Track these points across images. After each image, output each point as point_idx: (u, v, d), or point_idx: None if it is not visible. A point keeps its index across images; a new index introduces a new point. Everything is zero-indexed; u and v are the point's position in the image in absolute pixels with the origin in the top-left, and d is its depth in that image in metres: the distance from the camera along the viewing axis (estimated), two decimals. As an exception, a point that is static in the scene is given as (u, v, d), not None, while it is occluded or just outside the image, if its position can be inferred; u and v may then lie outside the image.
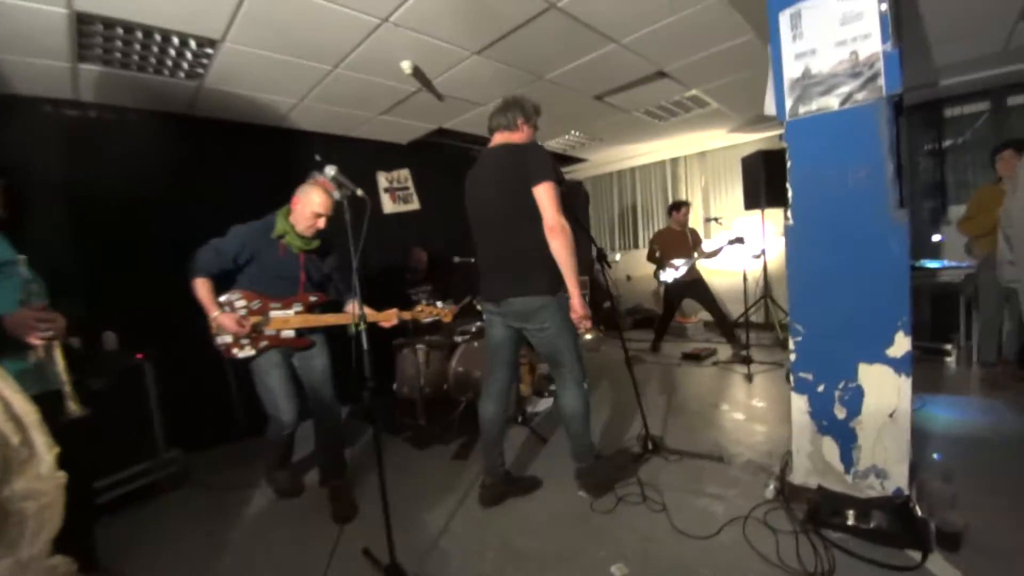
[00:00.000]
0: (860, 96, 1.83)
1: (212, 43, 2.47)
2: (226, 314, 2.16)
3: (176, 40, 2.41)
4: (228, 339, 2.22)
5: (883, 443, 1.88)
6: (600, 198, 7.47)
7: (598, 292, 6.66)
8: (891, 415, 1.85)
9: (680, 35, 2.81)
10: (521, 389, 3.52)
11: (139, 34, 2.32)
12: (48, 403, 1.46)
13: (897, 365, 1.81)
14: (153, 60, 2.59)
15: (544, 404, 3.70)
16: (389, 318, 2.43)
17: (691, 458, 2.57)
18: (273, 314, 2.28)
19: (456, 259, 4.41)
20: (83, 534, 1.81)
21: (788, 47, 1.97)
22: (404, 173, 4.82)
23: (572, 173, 7.16)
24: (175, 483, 2.73)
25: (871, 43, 1.78)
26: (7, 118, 2.72)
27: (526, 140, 2.18)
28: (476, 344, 3.54)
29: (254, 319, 2.22)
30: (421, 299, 4.02)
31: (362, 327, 1.73)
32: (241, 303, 2.25)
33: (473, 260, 4.39)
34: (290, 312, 2.32)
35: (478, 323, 3.96)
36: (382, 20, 2.40)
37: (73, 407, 1.48)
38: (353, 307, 2.09)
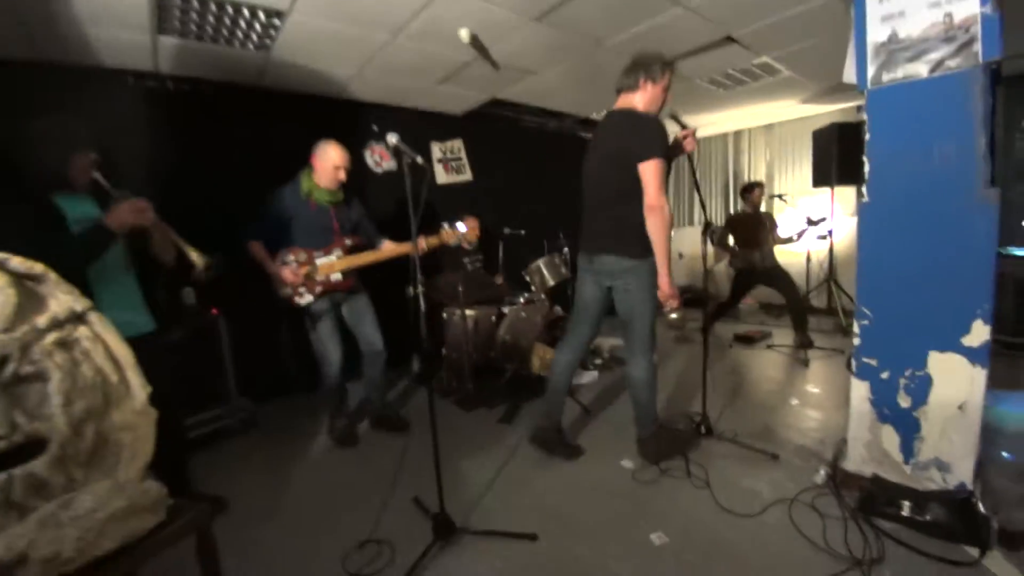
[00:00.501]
0: (953, 63, 1.67)
1: (279, 14, 2.55)
2: (282, 267, 2.51)
3: (246, 11, 2.50)
4: (288, 290, 2.55)
5: (948, 436, 1.79)
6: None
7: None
8: (960, 407, 1.75)
9: (752, -3, 2.64)
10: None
11: (213, 5, 2.42)
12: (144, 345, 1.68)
13: (972, 355, 1.70)
14: (225, 31, 2.70)
15: (588, 376, 3.72)
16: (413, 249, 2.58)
17: (744, 448, 2.48)
18: (319, 261, 2.58)
19: (507, 230, 4.45)
20: (179, 463, 2.07)
21: (874, 9, 1.82)
22: (458, 144, 4.85)
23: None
24: (244, 428, 2.99)
25: (968, 5, 1.61)
26: (96, 89, 2.93)
27: (649, 100, 2.16)
28: (523, 314, 3.58)
29: (304, 269, 2.53)
30: (477, 268, 4.11)
31: (420, 291, 1.80)
32: (291, 257, 2.55)
33: (523, 232, 4.45)
34: (332, 257, 2.61)
35: (526, 294, 4.00)
36: (442, -13, 2.39)
37: (196, 258, 1.84)
38: (395, 244, 2.72)
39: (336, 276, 2.62)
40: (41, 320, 1.19)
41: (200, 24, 2.60)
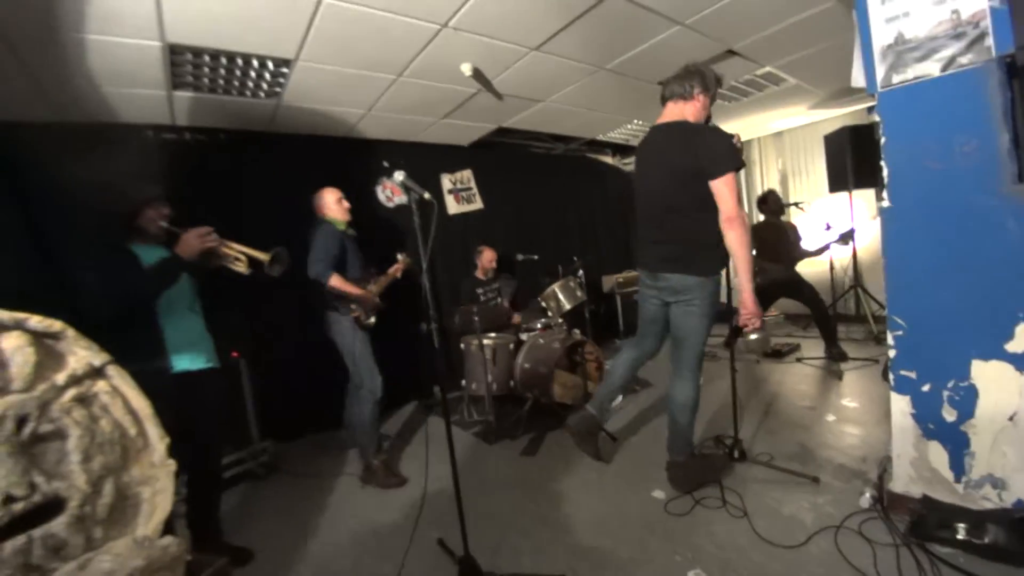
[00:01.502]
0: (965, 59, 1.62)
1: (287, 63, 2.63)
2: (366, 291, 2.76)
3: (256, 63, 2.59)
4: (359, 312, 2.75)
5: (1001, 449, 1.67)
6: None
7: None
8: (1011, 418, 1.63)
9: (750, 9, 2.63)
10: (589, 386, 3.48)
11: (223, 60, 2.52)
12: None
13: (1020, 362, 1.59)
14: (236, 83, 2.80)
15: (616, 402, 3.62)
16: (396, 272, 3.03)
17: (781, 472, 2.34)
18: (373, 286, 2.88)
19: (519, 256, 4.44)
20: (213, 506, 2.11)
21: (877, 11, 1.79)
22: (467, 174, 4.91)
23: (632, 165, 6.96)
24: (266, 471, 2.97)
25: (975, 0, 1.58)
26: (117, 144, 3.05)
27: (699, 112, 2.12)
28: (542, 341, 3.54)
29: (371, 292, 2.82)
30: (489, 299, 4.09)
31: (434, 327, 1.78)
32: (370, 284, 2.86)
33: (536, 258, 4.43)
34: (374, 287, 2.89)
35: (542, 320, 3.96)
36: (441, 25, 2.45)
37: (262, 256, 2.08)
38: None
39: (377, 300, 2.86)
40: (60, 377, 1.20)
41: (212, 78, 2.70)
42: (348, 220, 2.85)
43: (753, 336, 2.03)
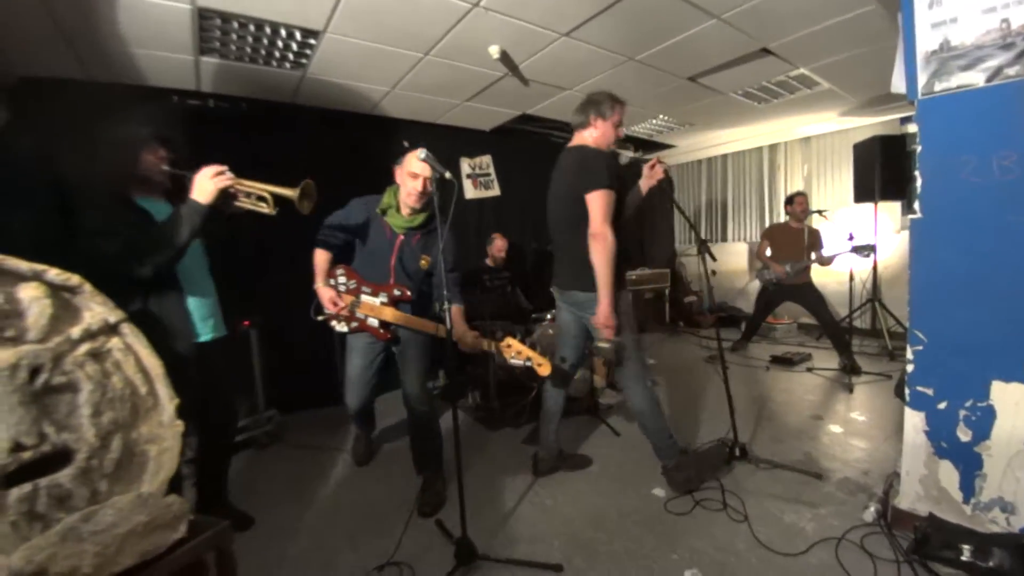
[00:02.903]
0: (1012, 71, 1.56)
1: (315, 34, 2.62)
2: (325, 288, 2.22)
3: (283, 32, 2.58)
4: (322, 314, 2.29)
5: (1014, 474, 1.63)
6: (686, 188, 7.11)
7: (678, 287, 6.38)
8: (1028, 443, 1.59)
9: (789, 7, 2.56)
10: (595, 381, 3.46)
11: (251, 27, 2.50)
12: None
13: (1042, 386, 1.56)
14: (263, 51, 2.79)
15: (618, 397, 3.61)
16: (474, 344, 2.22)
17: (783, 470, 2.37)
18: (364, 298, 2.24)
19: (534, 245, 4.41)
20: (222, 470, 2.11)
21: (923, 15, 1.72)
22: (487, 159, 4.87)
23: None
24: (270, 440, 3.00)
25: (1027, 9, 1.51)
26: (141, 106, 3.06)
27: (600, 136, 2.19)
28: (551, 331, 3.52)
29: (348, 298, 2.23)
30: (498, 286, 4.08)
31: (447, 306, 1.76)
32: (342, 279, 2.27)
33: (549, 248, 4.40)
34: (376, 301, 2.23)
35: (553, 311, 3.94)
36: (473, 4, 2.41)
37: (290, 193, 1.72)
38: (444, 318, 1.92)
39: (373, 322, 2.24)
40: (75, 331, 1.21)
41: (240, 45, 2.69)
42: (414, 207, 2.14)
43: (602, 344, 2.03)
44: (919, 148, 1.76)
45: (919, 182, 1.76)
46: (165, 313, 1.73)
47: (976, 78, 1.64)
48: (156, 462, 1.29)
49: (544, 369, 2.12)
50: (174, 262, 1.68)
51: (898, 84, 1.85)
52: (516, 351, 2.16)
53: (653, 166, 2.30)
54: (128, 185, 1.75)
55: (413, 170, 2.06)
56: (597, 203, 2.02)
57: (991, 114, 1.61)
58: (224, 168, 1.67)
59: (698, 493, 2.19)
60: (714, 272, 6.50)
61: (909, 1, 1.76)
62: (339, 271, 2.28)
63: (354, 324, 2.25)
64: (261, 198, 1.76)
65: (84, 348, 1.21)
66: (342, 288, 2.26)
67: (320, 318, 2.30)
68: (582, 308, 2.20)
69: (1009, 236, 1.59)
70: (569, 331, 2.39)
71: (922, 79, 1.74)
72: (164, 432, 1.33)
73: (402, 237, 2.21)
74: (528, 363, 2.15)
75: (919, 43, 1.75)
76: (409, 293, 2.24)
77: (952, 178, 1.69)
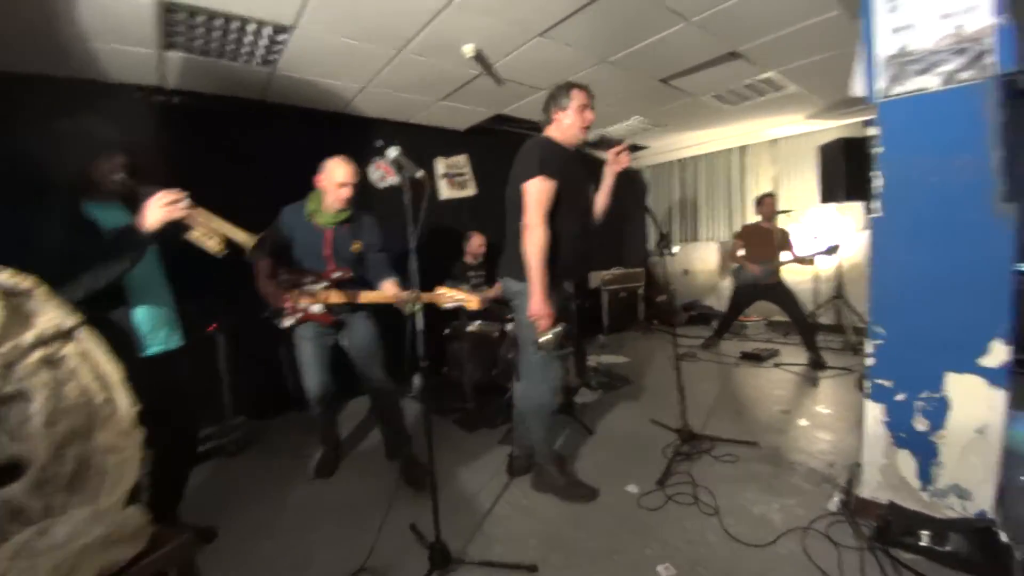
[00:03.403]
0: (965, 75, 1.63)
1: (285, 29, 2.56)
2: (269, 284, 2.37)
3: (252, 27, 2.51)
4: (270, 311, 2.42)
5: (968, 461, 1.71)
6: (660, 188, 7.21)
7: (653, 285, 6.48)
8: (980, 431, 1.67)
9: (757, 12, 2.62)
10: (569, 379, 3.48)
11: (219, 21, 2.43)
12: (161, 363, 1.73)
13: (992, 376, 1.63)
14: (231, 47, 2.71)
15: (593, 396, 3.65)
16: (409, 298, 2.28)
17: (724, 443, 2.63)
18: (306, 287, 2.37)
19: (509, 245, 4.39)
20: (180, 482, 1.99)
21: (882, 21, 1.79)
22: (462, 159, 4.85)
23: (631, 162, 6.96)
24: (239, 448, 2.92)
25: (980, 16, 1.59)
26: (102, 104, 2.94)
27: (566, 128, 2.16)
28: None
29: (292, 292, 2.36)
30: (476, 284, 4.07)
31: (418, 308, 1.75)
32: (284, 278, 2.39)
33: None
34: (317, 288, 2.37)
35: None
36: (447, 2, 2.39)
37: (245, 239, 1.73)
38: (397, 288, 2.38)
39: (316, 307, 2.37)
40: (27, 337, 1.15)
41: (206, 39, 2.61)
42: (339, 208, 2.38)
43: (541, 339, 2.04)
44: (879, 149, 1.82)
45: (880, 182, 1.82)
46: (107, 328, 1.61)
47: (932, 82, 1.71)
48: (115, 473, 1.24)
49: (472, 304, 2.30)
50: (112, 287, 1.56)
51: (858, 88, 1.91)
52: (448, 296, 2.34)
53: (618, 152, 2.25)
54: (78, 189, 1.63)
55: (341, 180, 2.32)
56: (529, 192, 2.01)
57: (946, 116, 1.68)
58: (181, 196, 1.59)
59: (670, 488, 2.23)
60: (686, 271, 6.65)
61: (868, 7, 1.83)
62: (280, 272, 2.39)
63: (299, 315, 2.37)
64: (214, 234, 1.70)
65: (37, 355, 1.16)
66: (284, 283, 2.38)
67: (265, 315, 2.42)
68: (514, 297, 2.18)
69: (962, 233, 1.67)
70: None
71: (881, 82, 1.81)
72: (123, 441, 1.28)
73: (331, 230, 2.41)
74: (460, 302, 2.32)
75: (878, 48, 1.81)
76: (351, 274, 2.42)
77: (910, 178, 1.76)
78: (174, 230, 1.64)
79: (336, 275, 2.38)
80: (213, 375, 2.89)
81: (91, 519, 1.04)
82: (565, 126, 2.16)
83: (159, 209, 1.56)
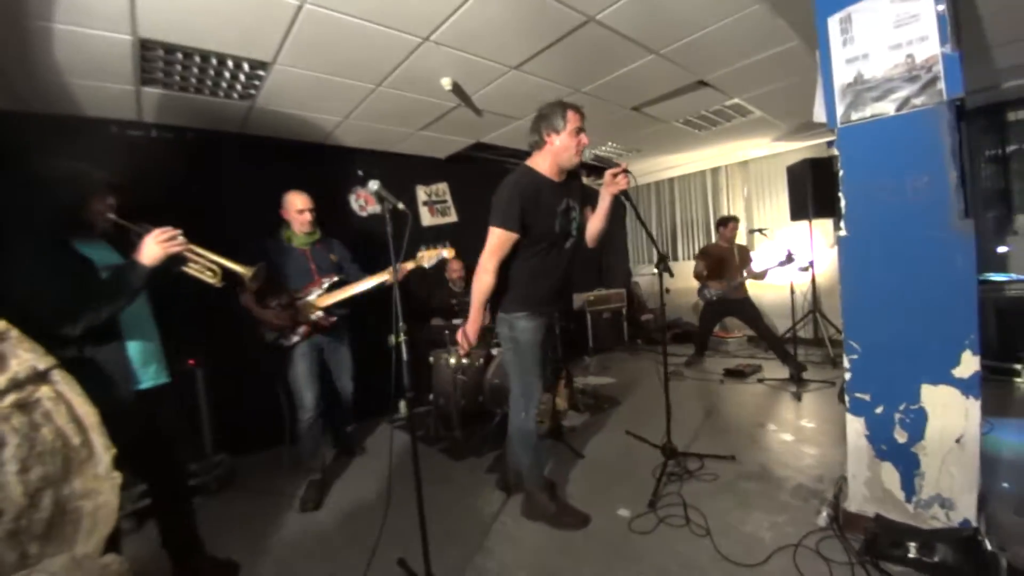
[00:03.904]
0: (918, 100, 1.74)
1: (264, 65, 2.59)
2: (267, 311, 2.58)
3: (231, 63, 2.54)
4: (273, 334, 2.62)
5: (949, 470, 1.75)
6: (639, 209, 7.35)
7: (634, 305, 6.56)
8: (958, 440, 1.72)
9: (721, 44, 2.76)
10: (557, 403, 3.47)
11: (197, 58, 2.46)
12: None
13: (964, 387, 1.69)
14: (209, 83, 2.74)
15: (580, 419, 3.64)
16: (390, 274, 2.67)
17: (707, 459, 2.69)
18: (300, 302, 2.66)
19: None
20: (189, 521, 1.99)
21: (838, 52, 1.90)
22: (443, 187, 4.91)
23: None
24: (220, 486, 2.83)
25: (928, 45, 1.70)
26: (78, 138, 2.92)
27: (559, 151, 2.06)
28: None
29: (288, 312, 2.61)
30: (464, 311, 4.07)
31: (402, 339, 1.75)
32: (275, 303, 2.61)
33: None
34: (312, 296, 2.70)
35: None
36: (423, 39, 2.46)
37: (243, 271, 1.91)
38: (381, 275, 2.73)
39: (318, 314, 2.67)
40: (-1, 381, 1.12)
41: (184, 76, 2.63)
42: (307, 231, 2.74)
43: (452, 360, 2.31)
44: (841, 172, 1.91)
45: (843, 203, 1.91)
46: (103, 360, 1.62)
47: (887, 107, 1.81)
48: (91, 519, 1.20)
49: (450, 252, 2.85)
50: (108, 322, 1.59)
51: (819, 114, 2.02)
52: (429, 256, 2.78)
53: (616, 174, 2.06)
54: (70, 229, 1.66)
55: (300, 207, 2.71)
56: (489, 237, 2.05)
57: (902, 140, 1.78)
58: (177, 232, 1.68)
59: (661, 510, 2.22)
60: (668, 290, 6.72)
61: (826, 39, 1.94)
62: (269, 300, 2.60)
63: (300, 330, 2.64)
64: (211, 267, 1.83)
65: (10, 399, 1.13)
66: (277, 309, 2.60)
67: (271, 338, 2.61)
68: (498, 324, 2.24)
69: (925, 251, 1.74)
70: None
71: (840, 109, 1.91)
72: (100, 485, 1.24)
73: (308, 248, 2.78)
74: (444, 256, 2.81)
75: (836, 76, 1.92)
76: (336, 278, 2.78)
77: (872, 199, 1.84)
78: (170, 265, 1.71)
79: (326, 283, 2.74)
80: (193, 411, 2.81)
81: (68, 568, 1.00)
82: (557, 149, 2.05)
83: (157, 245, 1.63)
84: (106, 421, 1.54)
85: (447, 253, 2.83)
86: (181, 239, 1.69)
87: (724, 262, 4.70)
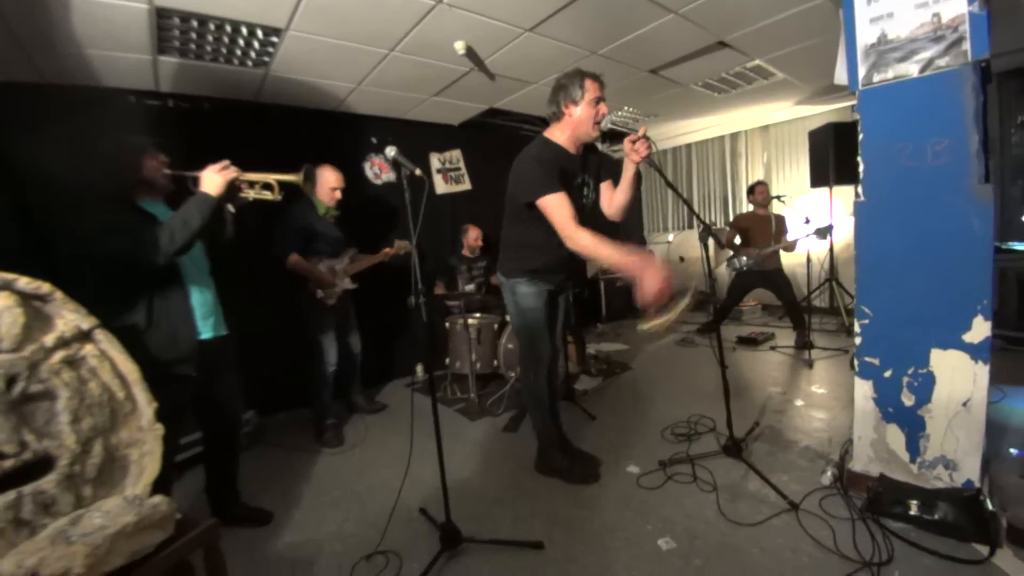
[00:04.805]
0: (942, 62, 1.69)
1: (277, 32, 2.59)
2: (318, 268, 2.92)
3: (245, 30, 2.54)
4: (326, 290, 2.95)
5: (954, 433, 1.78)
6: (652, 176, 7.25)
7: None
8: (965, 404, 1.74)
9: (743, 2, 2.67)
10: (569, 367, 3.55)
11: (212, 26, 2.46)
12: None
13: (974, 351, 1.70)
14: (224, 50, 2.74)
15: (593, 382, 3.72)
16: (384, 256, 3.24)
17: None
18: (338, 267, 3.03)
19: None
20: (233, 474, 2.18)
21: (862, 11, 1.84)
22: (456, 154, 4.89)
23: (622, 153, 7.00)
24: (250, 442, 2.99)
25: (956, 4, 1.64)
26: (98, 109, 2.97)
27: (577, 123, 2.03)
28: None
29: (333, 274, 2.99)
30: (476, 276, 4.13)
31: (422, 302, 1.80)
32: (323, 266, 2.96)
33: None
34: (346, 261, 3.09)
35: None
36: (437, 1, 2.43)
37: (294, 178, 2.03)
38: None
39: (347, 282, 3.06)
40: (48, 339, 1.21)
41: (199, 44, 2.64)
42: (333, 206, 3.02)
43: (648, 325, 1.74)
44: (861, 135, 1.88)
45: (861, 167, 1.88)
46: (169, 311, 1.75)
47: (910, 69, 1.76)
48: (138, 465, 1.31)
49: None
50: (185, 251, 1.70)
51: (841, 76, 1.97)
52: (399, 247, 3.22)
53: (635, 141, 1.97)
54: (132, 190, 1.79)
55: (333, 185, 3.00)
56: (547, 210, 1.94)
57: (925, 103, 1.74)
58: (228, 162, 1.79)
59: (669, 468, 2.30)
60: (682, 258, 6.69)
61: (850, -4, 1.87)
62: (317, 262, 2.94)
63: (337, 292, 3.01)
64: (266, 186, 1.96)
65: (59, 356, 1.21)
66: (323, 267, 2.96)
67: (322, 294, 2.94)
68: (502, 288, 2.30)
69: (942, 216, 1.73)
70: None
71: (862, 71, 1.86)
72: (144, 436, 1.34)
73: (334, 220, 3.09)
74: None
75: (859, 37, 1.86)
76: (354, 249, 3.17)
77: (891, 163, 1.82)
78: (231, 196, 1.87)
79: (351, 250, 3.13)
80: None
81: (121, 508, 1.10)
82: (576, 120, 2.02)
83: (217, 174, 1.76)
84: (171, 368, 1.71)
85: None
86: (234, 167, 1.80)
87: (761, 232, 4.49)
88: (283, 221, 2.88)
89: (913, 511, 1.79)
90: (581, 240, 1.89)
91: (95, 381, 1.28)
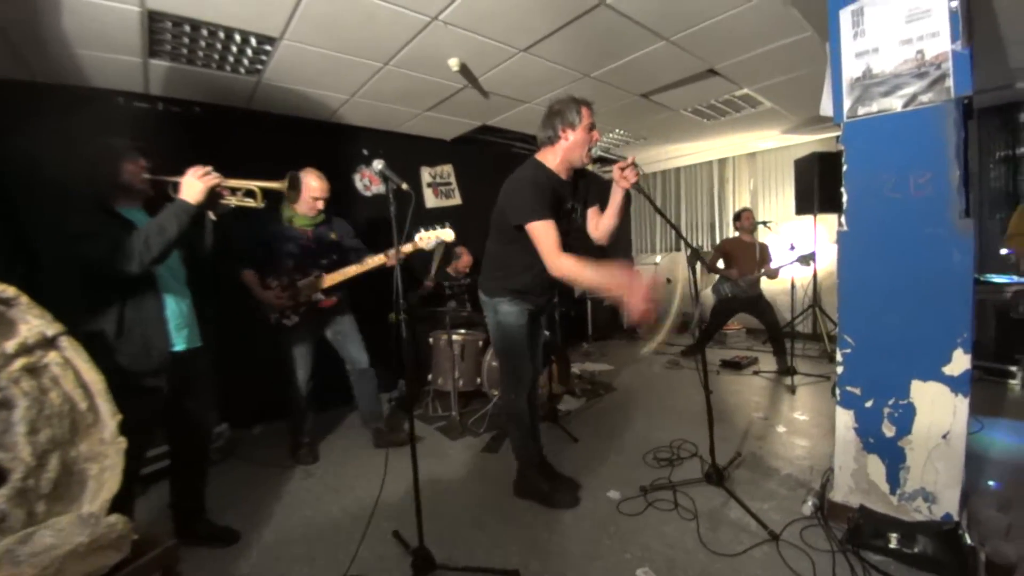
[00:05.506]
0: (926, 97, 1.73)
1: (271, 40, 2.58)
2: (268, 292, 2.68)
3: (238, 37, 2.53)
4: (275, 315, 2.72)
5: (934, 465, 1.78)
6: (641, 199, 7.33)
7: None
8: (944, 436, 1.75)
9: (733, 32, 2.73)
10: (552, 387, 3.52)
11: (205, 31, 2.45)
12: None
13: (954, 384, 1.71)
14: (216, 56, 2.73)
15: (576, 403, 3.69)
16: (389, 259, 2.73)
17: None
18: (301, 283, 2.73)
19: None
20: (199, 490, 2.09)
21: (848, 45, 1.89)
22: (447, 168, 4.90)
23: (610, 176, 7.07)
24: (221, 456, 2.90)
25: (939, 42, 1.69)
26: (85, 109, 2.92)
27: (572, 147, 2.05)
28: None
29: (287, 292, 2.70)
30: (456, 294, 4.10)
31: (403, 318, 1.77)
32: (275, 283, 2.71)
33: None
34: (312, 277, 2.74)
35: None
36: (432, 18, 2.45)
37: (278, 185, 1.97)
38: (375, 258, 2.74)
39: (318, 296, 2.76)
40: (9, 345, 1.16)
41: (191, 49, 2.63)
42: (312, 215, 2.80)
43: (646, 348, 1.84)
44: (845, 167, 1.91)
45: (845, 198, 1.91)
46: (143, 321, 1.71)
47: (894, 103, 1.80)
48: (97, 480, 1.24)
49: (449, 235, 2.76)
50: (160, 260, 1.66)
51: (827, 107, 2.01)
52: (427, 239, 2.70)
53: (624, 168, 2.04)
54: (110, 194, 1.75)
55: (315, 195, 2.75)
56: (535, 236, 1.93)
57: (908, 136, 1.77)
58: (209, 168, 1.73)
59: (650, 494, 2.27)
60: (669, 280, 6.72)
61: (836, 31, 1.92)
62: (270, 280, 2.72)
63: (302, 310, 2.75)
64: (249, 193, 1.90)
65: (19, 363, 1.16)
66: (277, 290, 2.70)
67: (274, 318, 2.72)
68: (484, 308, 2.28)
69: (924, 248, 1.75)
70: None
71: (847, 103, 1.90)
72: (106, 449, 1.28)
73: (311, 229, 2.81)
74: (443, 240, 2.75)
75: (844, 70, 1.91)
76: (335, 258, 2.84)
77: (874, 194, 1.84)
78: (211, 203, 1.80)
79: (325, 262, 2.80)
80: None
81: (74, 526, 1.04)
82: (571, 145, 2.05)
83: (197, 181, 1.69)
84: (141, 380, 1.67)
85: (447, 236, 2.73)
86: (215, 173, 1.74)
87: (746, 258, 4.55)
88: (238, 233, 2.63)
89: (893, 544, 1.77)
90: (564, 268, 1.91)
91: (56, 390, 1.23)
